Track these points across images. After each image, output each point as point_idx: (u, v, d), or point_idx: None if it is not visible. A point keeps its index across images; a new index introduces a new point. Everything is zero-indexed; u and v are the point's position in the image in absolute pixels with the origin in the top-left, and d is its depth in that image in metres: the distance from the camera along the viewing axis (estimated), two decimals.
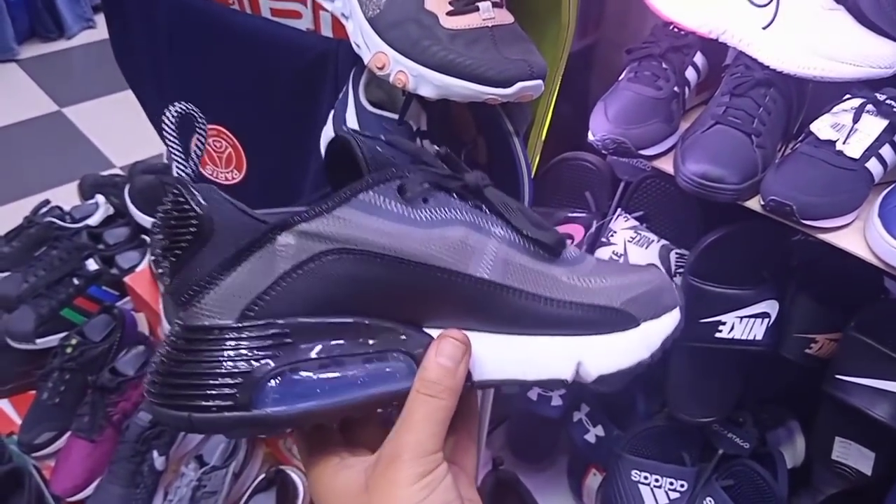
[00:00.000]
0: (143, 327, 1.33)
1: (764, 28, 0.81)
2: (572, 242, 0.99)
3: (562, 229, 0.99)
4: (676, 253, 0.94)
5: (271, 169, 0.85)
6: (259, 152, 0.86)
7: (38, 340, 1.28)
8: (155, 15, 0.84)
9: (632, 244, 0.93)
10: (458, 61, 0.56)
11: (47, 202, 1.46)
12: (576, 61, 0.81)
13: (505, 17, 0.61)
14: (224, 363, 0.35)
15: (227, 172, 0.89)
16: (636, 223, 0.95)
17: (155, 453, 1.13)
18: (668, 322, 0.43)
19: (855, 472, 0.92)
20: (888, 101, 0.79)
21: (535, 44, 0.60)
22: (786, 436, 1.06)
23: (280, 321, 0.36)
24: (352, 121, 0.68)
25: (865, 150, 0.78)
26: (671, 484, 1.03)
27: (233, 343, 0.35)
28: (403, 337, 0.39)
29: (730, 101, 0.84)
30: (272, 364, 0.35)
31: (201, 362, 0.35)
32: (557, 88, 0.78)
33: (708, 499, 1.01)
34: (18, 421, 1.25)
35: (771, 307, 0.91)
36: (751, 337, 0.90)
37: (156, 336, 1.32)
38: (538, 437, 1.27)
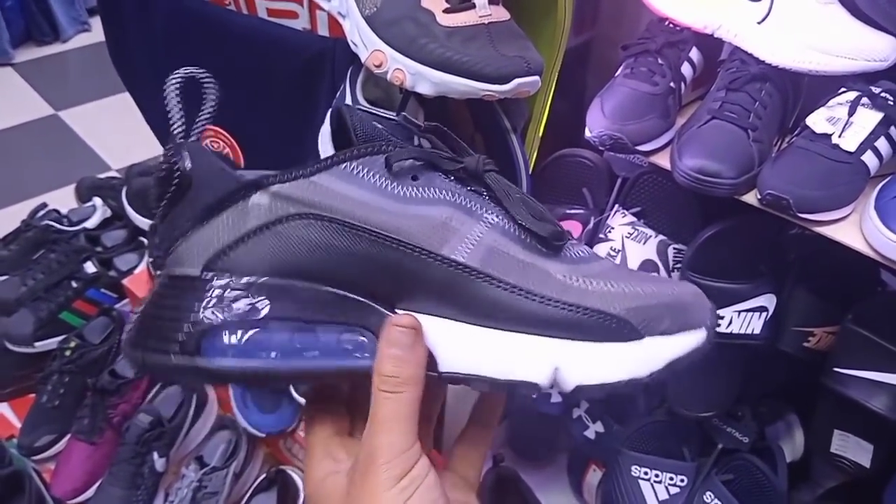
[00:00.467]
0: None
1: (759, 23, 0.81)
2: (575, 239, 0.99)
3: None
4: (674, 248, 0.94)
5: (269, 168, 0.85)
6: (257, 152, 0.86)
7: (36, 343, 1.28)
8: (151, 16, 0.84)
9: (629, 240, 0.93)
10: (455, 58, 0.56)
11: (44, 205, 1.46)
12: (572, 58, 0.81)
13: (501, 13, 0.61)
14: (182, 311, 0.36)
15: None
16: (634, 219, 0.95)
17: (155, 455, 1.13)
18: (684, 342, 0.37)
19: (854, 465, 0.92)
20: (883, 94, 0.79)
21: (532, 40, 0.61)
22: (785, 430, 1.06)
23: (243, 279, 0.36)
24: None
25: (861, 143, 0.78)
26: (671, 479, 1.03)
27: (192, 292, 0.36)
28: (372, 315, 0.37)
29: (726, 96, 0.84)
30: (221, 317, 0.35)
31: (164, 308, 0.36)
32: (554, 84, 0.78)
33: (708, 493, 1.01)
34: (18, 424, 1.25)
35: (769, 301, 0.91)
36: (749, 331, 0.90)
37: None
38: (538, 434, 1.27)
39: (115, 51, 0.98)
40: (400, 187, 0.38)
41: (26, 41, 2.74)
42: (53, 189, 1.95)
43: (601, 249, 0.94)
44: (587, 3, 1.05)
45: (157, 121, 1.02)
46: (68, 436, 1.20)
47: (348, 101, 0.69)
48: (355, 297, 0.37)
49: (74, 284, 1.33)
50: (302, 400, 1.10)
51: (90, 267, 1.34)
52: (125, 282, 1.34)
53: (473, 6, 0.59)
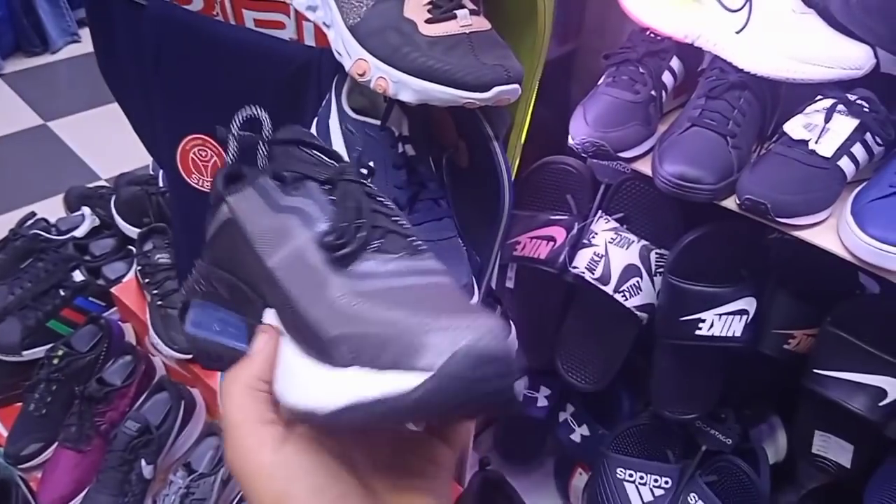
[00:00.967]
0: (130, 337, 1.33)
1: (737, 32, 0.83)
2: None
3: (544, 232, 1.00)
4: (656, 253, 0.95)
5: None
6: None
7: (24, 352, 1.28)
8: (140, 27, 0.85)
9: (613, 245, 0.95)
10: (437, 67, 0.57)
11: (33, 214, 1.47)
12: (556, 68, 0.82)
13: (482, 23, 0.62)
14: (184, 287, 0.46)
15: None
16: (617, 225, 0.97)
17: (143, 462, 1.13)
18: (387, 384, 0.30)
19: (835, 465, 0.94)
20: (859, 102, 0.81)
21: (513, 49, 0.62)
22: (768, 431, 1.08)
23: (209, 266, 0.44)
24: (335, 127, 0.69)
25: (837, 149, 0.80)
26: (656, 481, 1.05)
27: (190, 274, 0.46)
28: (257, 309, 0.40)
29: (705, 104, 0.86)
30: (188, 294, 0.45)
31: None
32: (535, 92, 0.79)
33: (692, 495, 1.03)
34: (5, 433, 1.25)
35: (749, 304, 0.92)
36: (730, 334, 0.92)
37: (142, 346, 1.32)
38: (525, 438, 1.28)
39: (105, 61, 0.99)
40: (287, 197, 0.42)
41: (16, 52, 2.73)
42: (42, 199, 1.95)
43: (585, 254, 0.96)
44: (571, 15, 1.06)
45: (146, 131, 1.03)
46: (55, 444, 1.20)
47: (334, 109, 0.70)
48: (254, 294, 0.41)
49: (62, 293, 1.33)
50: None
51: (78, 275, 1.34)
52: (113, 290, 1.34)
53: (455, 16, 0.60)
